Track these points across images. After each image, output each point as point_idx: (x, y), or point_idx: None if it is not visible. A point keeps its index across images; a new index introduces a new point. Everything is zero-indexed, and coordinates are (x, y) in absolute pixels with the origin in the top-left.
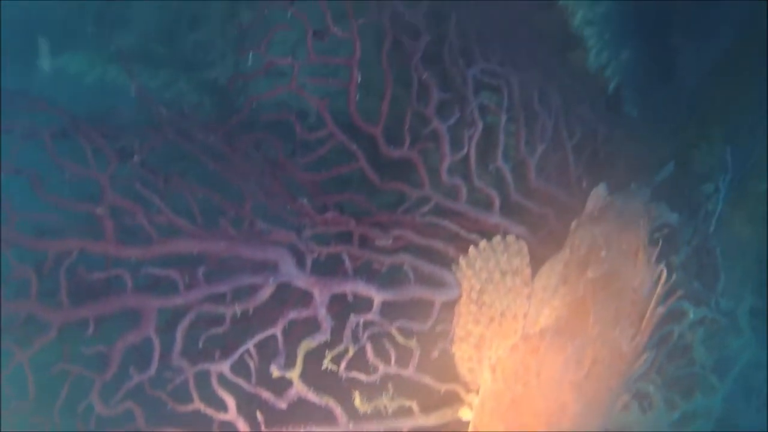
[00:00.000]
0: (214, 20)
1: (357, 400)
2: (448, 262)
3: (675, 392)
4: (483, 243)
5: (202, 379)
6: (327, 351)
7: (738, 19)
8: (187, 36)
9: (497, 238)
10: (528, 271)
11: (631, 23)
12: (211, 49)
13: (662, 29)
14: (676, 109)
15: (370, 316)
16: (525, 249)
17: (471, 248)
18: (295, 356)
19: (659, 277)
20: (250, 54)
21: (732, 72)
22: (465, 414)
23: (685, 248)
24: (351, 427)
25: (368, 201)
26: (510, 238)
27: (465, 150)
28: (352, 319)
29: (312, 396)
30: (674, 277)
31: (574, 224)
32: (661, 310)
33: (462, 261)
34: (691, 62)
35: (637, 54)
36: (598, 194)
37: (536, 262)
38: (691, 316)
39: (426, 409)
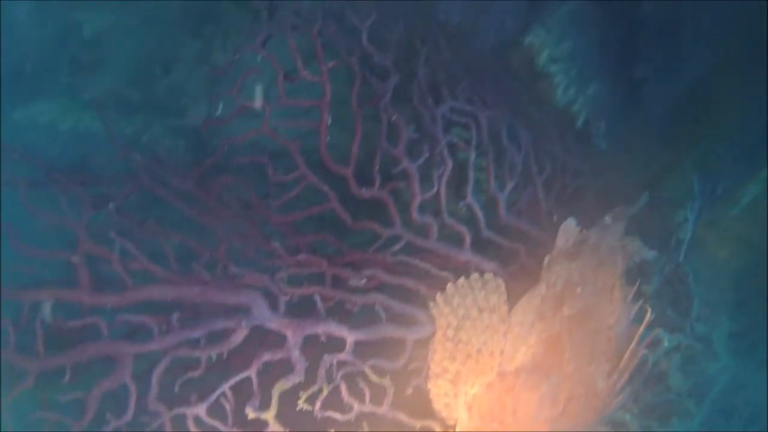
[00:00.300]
0: (187, 64)
1: None
2: (419, 301)
3: (652, 419)
4: (461, 280)
5: (179, 422)
6: (301, 391)
7: (702, 51)
8: (161, 80)
9: (475, 276)
10: (505, 308)
11: (596, 58)
12: (184, 92)
13: (628, 63)
14: (644, 140)
15: (343, 356)
16: (503, 287)
17: (449, 285)
18: (270, 397)
19: (641, 317)
20: (221, 104)
21: (698, 101)
22: None
23: (658, 277)
24: None
25: (340, 241)
26: (488, 275)
27: (435, 188)
28: (326, 359)
29: None
30: (648, 306)
31: (546, 260)
32: (641, 350)
33: (439, 298)
34: (658, 94)
35: (603, 88)
36: (568, 228)
37: (508, 297)
38: (666, 343)
39: None
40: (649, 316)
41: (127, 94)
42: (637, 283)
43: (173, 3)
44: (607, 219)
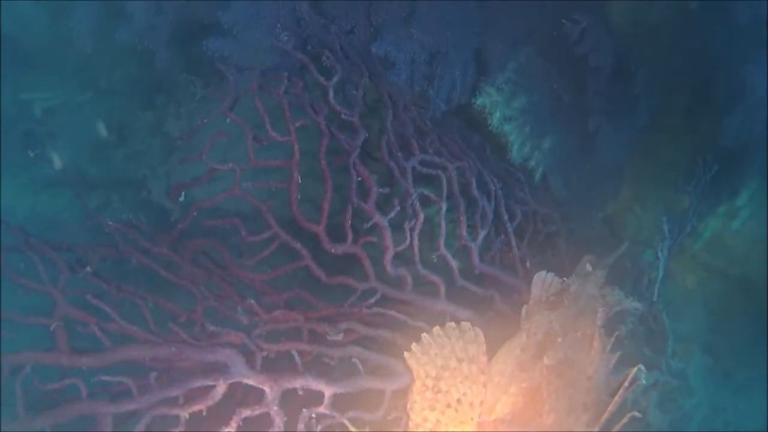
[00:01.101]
0: (141, 134)
1: None
2: (397, 351)
3: None
4: (436, 329)
5: None
6: None
7: (651, 94)
8: (117, 152)
9: (451, 324)
10: (484, 359)
11: (548, 112)
12: (141, 163)
13: (579, 114)
14: (603, 183)
15: (321, 409)
16: (481, 337)
17: (424, 335)
18: None
19: (624, 377)
20: (183, 193)
21: (653, 141)
22: None
23: (632, 318)
24: None
25: (315, 297)
26: (465, 324)
27: (408, 241)
28: (305, 413)
29: None
30: (624, 348)
31: (524, 309)
32: (618, 400)
33: (415, 347)
34: (612, 140)
35: (558, 139)
36: (541, 279)
37: (485, 342)
38: (644, 381)
39: None
40: (634, 376)
41: (83, 170)
42: (615, 333)
43: (123, 76)
44: (588, 267)
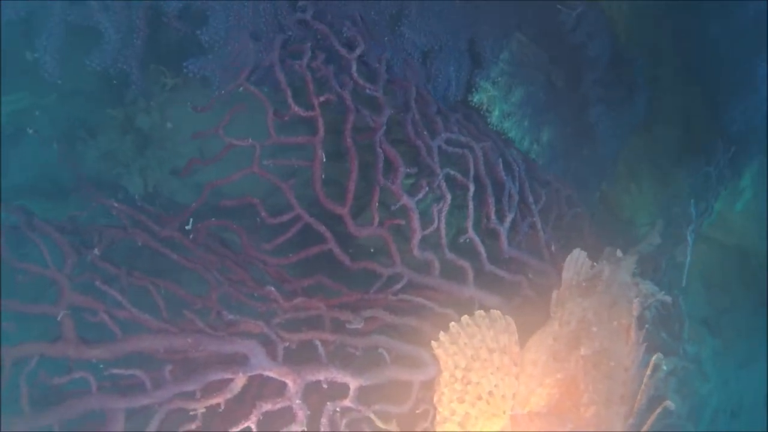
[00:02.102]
0: (112, 132)
1: None
2: (424, 340)
3: None
4: (465, 318)
5: None
6: None
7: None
8: (90, 152)
9: (480, 313)
10: (517, 349)
11: (545, 103)
12: (115, 162)
13: (576, 102)
14: (601, 168)
15: (346, 403)
16: (512, 326)
17: (452, 324)
18: None
19: (652, 365)
20: (191, 220)
21: (649, 121)
22: None
23: (656, 304)
24: None
25: (339, 283)
26: (495, 313)
27: (435, 224)
28: (329, 406)
29: None
30: (646, 332)
31: (554, 295)
32: (651, 392)
33: (443, 337)
34: (611, 128)
35: (556, 131)
36: (574, 260)
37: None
38: (664, 367)
39: None
40: (661, 366)
41: (54, 175)
42: (646, 325)
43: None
44: (618, 252)
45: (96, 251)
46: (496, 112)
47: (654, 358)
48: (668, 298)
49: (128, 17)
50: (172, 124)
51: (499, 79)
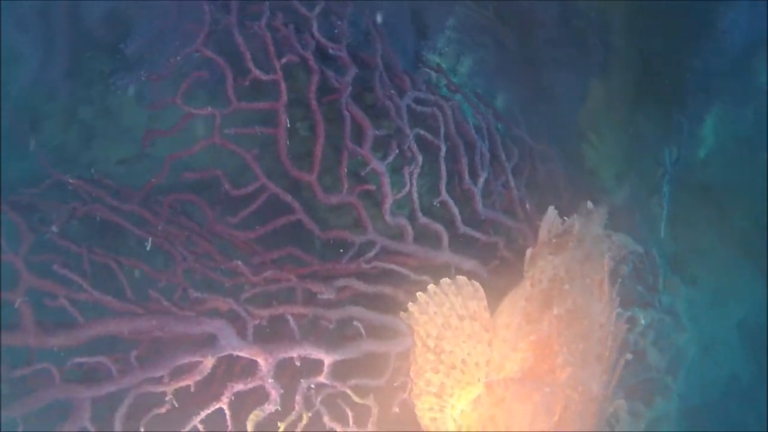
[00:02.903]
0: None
1: None
2: (399, 309)
3: (637, 401)
4: (431, 287)
5: None
6: (279, 421)
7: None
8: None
9: (446, 281)
10: (487, 315)
11: (497, 68)
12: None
13: (530, 62)
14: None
15: (321, 379)
16: (480, 292)
17: (419, 294)
18: (245, 429)
19: (630, 324)
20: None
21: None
22: None
23: (633, 257)
24: None
25: (309, 253)
26: (461, 279)
27: (407, 187)
28: (303, 384)
29: None
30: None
31: (528, 253)
32: (629, 355)
33: (412, 307)
34: (567, 87)
35: (511, 96)
36: (549, 218)
37: (491, 293)
38: (642, 321)
39: None
40: (639, 323)
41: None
42: (619, 279)
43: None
44: (589, 204)
45: (54, 228)
46: (443, 87)
47: (630, 313)
48: (640, 249)
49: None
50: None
51: (446, 49)
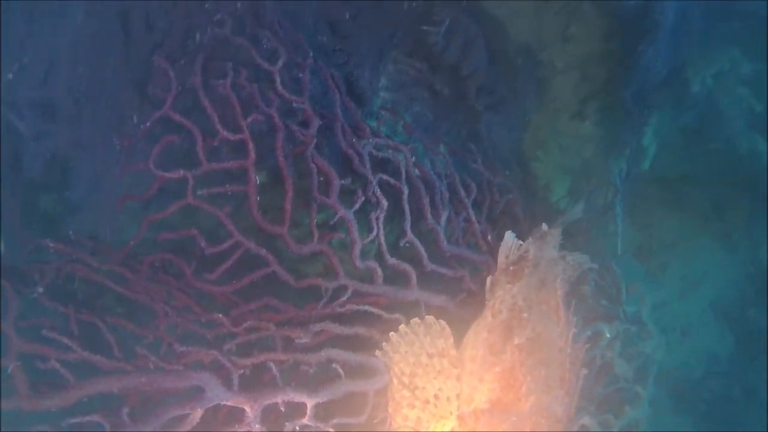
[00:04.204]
0: None
1: None
2: (374, 348)
3: (607, 412)
4: (402, 327)
5: None
6: None
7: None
8: None
9: (416, 320)
10: (454, 352)
11: (435, 117)
12: None
13: (465, 104)
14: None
15: (305, 421)
16: (447, 330)
17: (392, 334)
18: None
19: (595, 339)
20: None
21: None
22: None
23: (592, 275)
24: None
25: (284, 302)
26: (429, 319)
27: (374, 231)
28: (288, 427)
29: None
30: (588, 306)
31: (488, 282)
32: (584, 371)
33: (386, 346)
34: (504, 129)
35: (452, 139)
36: (507, 243)
37: (461, 326)
38: (608, 334)
39: None
40: (600, 330)
41: None
42: (573, 302)
43: None
44: (544, 226)
45: (40, 289)
46: (400, 131)
47: (594, 329)
48: (595, 266)
49: None
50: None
51: (383, 112)
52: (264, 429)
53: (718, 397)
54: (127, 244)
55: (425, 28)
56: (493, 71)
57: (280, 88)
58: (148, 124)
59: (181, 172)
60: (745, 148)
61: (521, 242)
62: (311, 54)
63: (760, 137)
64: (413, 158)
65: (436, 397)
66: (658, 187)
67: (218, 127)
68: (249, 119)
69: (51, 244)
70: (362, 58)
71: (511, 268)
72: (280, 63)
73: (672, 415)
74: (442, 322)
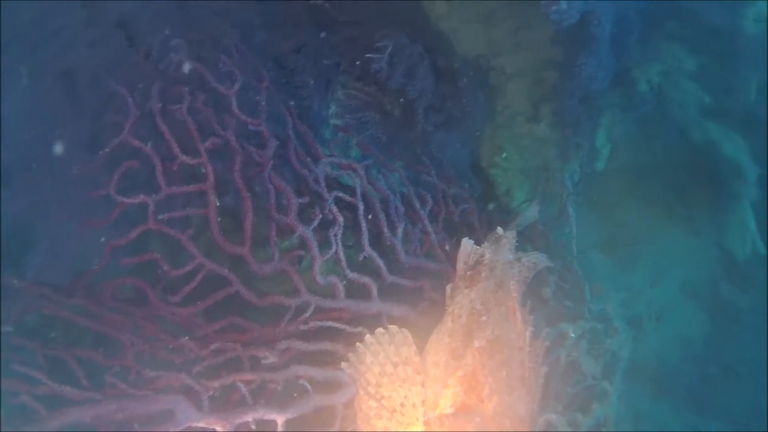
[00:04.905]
0: None
1: None
2: (340, 362)
3: (576, 411)
4: (368, 337)
5: None
6: None
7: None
8: None
9: (380, 330)
10: (417, 359)
11: (388, 139)
12: None
13: (416, 119)
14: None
15: None
16: (410, 338)
17: (357, 344)
18: None
19: (560, 339)
20: None
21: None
22: None
23: (553, 277)
24: None
25: (249, 320)
26: (392, 328)
27: (333, 248)
28: None
29: None
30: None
31: (448, 289)
32: (545, 369)
33: (352, 357)
34: (455, 144)
35: (407, 159)
36: (465, 251)
37: (423, 334)
38: (572, 334)
39: None
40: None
41: None
42: (528, 303)
43: None
44: (499, 230)
45: (9, 328)
46: (354, 149)
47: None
48: (551, 264)
49: None
50: None
51: (339, 133)
52: None
53: (696, 380)
54: (89, 272)
55: (368, 56)
56: (440, 90)
57: (236, 110)
58: (107, 150)
59: (142, 196)
60: (699, 137)
61: (478, 247)
62: (266, 77)
63: (712, 124)
64: (366, 176)
65: (402, 405)
66: (619, 180)
67: (176, 151)
68: (207, 143)
69: (15, 282)
70: (310, 90)
71: (469, 273)
72: (236, 86)
73: (650, 403)
74: (405, 331)
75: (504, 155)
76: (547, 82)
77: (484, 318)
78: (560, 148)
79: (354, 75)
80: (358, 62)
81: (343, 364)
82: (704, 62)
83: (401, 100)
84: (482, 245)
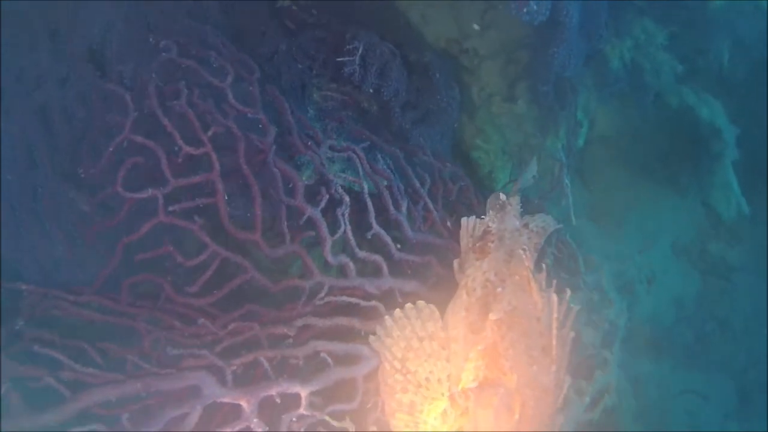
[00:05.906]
0: None
1: None
2: (357, 336)
3: (580, 379)
4: (397, 311)
5: None
6: None
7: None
8: None
9: (409, 305)
10: (442, 335)
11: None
12: None
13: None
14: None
15: (301, 411)
16: (436, 313)
17: (386, 317)
18: None
19: (557, 302)
20: None
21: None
22: None
23: (551, 249)
24: None
25: (266, 307)
26: (420, 303)
27: (342, 227)
28: (285, 418)
29: None
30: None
31: (456, 263)
32: (567, 332)
33: (379, 330)
34: (434, 139)
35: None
36: (467, 226)
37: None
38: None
39: None
40: (565, 300)
41: None
42: (543, 266)
43: None
44: (501, 196)
45: (21, 321)
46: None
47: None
48: (560, 225)
49: None
50: None
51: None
52: (262, 424)
53: (692, 338)
54: (102, 272)
55: (340, 59)
56: (414, 86)
57: (233, 101)
58: (111, 149)
59: (150, 191)
60: (676, 102)
61: (480, 217)
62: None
63: (688, 90)
64: (365, 156)
65: (427, 380)
66: (601, 151)
67: (180, 142)
68: (209, 132)
69: (24, 287)
70: (286, 97)
71: (478, 244)
72: (229, 79)
73: (650, 365)
74: (432, 306)
75: (484, 137)
76: (521, 61)
77: (499, 289)
78: (541, 123)
79: (327, 76)
80: (330, 64)
81: (371, 338)
82: (674, 32)
83: (377, 99)
84: (487, 214)
